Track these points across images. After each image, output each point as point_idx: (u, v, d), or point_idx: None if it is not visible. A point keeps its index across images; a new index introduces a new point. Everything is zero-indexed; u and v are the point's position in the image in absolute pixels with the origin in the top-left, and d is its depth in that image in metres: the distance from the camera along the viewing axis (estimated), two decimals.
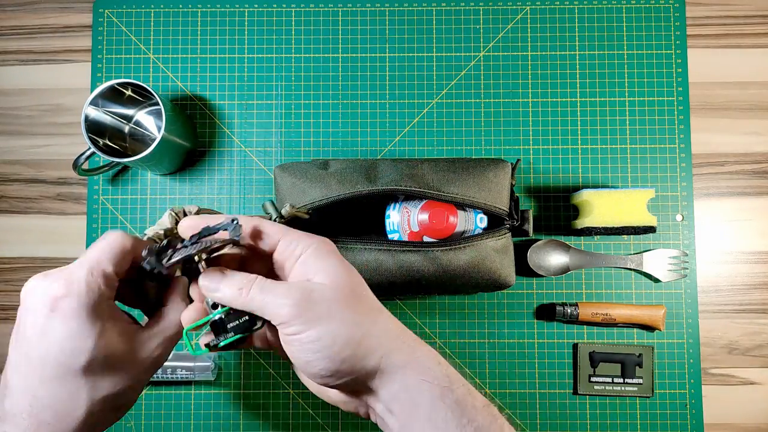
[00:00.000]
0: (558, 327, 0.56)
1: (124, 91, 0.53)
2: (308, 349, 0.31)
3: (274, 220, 0.41)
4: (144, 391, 0.55)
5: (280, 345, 0.36)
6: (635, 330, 0.56)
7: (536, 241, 0.56)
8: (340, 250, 0.36)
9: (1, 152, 0.59)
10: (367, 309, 0.34)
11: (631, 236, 0.56)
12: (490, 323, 0.56)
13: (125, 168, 0.58)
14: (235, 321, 0.33)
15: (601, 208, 0.53)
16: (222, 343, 0.33)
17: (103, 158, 0.52)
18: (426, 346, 0.35)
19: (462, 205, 0.47)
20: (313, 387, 0.37)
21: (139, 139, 0.57)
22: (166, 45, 0.59)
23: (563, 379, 0.55)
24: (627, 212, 0.53)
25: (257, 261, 0.36)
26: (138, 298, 0.37)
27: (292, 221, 0.45)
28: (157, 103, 0.52)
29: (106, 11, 0.59)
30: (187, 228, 0.34)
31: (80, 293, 0.31)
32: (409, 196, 0.48)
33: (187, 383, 0.56)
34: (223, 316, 0.33)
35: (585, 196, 0.53)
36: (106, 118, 0.54)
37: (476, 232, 0.48)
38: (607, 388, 0.55)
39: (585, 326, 0.56)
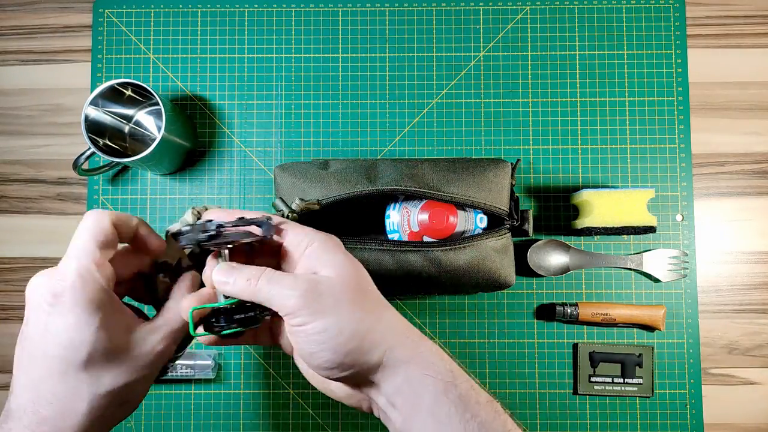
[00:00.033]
0: (558, 327, 0.56)
1: (124, 91, 0.53)
2: (313, 341, 0.32)
3: (287, 216, 0.42)
4: None
5: (285, 339, 0.36)
6: (635, 330, 0.56)
7: (536, 241, 0.56)
8: None
9: (1, 152, 0.59)
10: (373, 304, 0.34)
11: (631, 236, 0.56)
12: (490, 323, 0.56)
13: (125, 168, 0.58)
14: (241, 314, 0.34)
15: (601, 208, 0.53)
16: (224, 332, 0.34)
17: (103, 158, 0.52)
18: (430, 342, 0.35)
19: (462, 205, 0.47)
20: (316, 382, 0.37)
21: (139, 139, 0.57)
22: (166, 45, 0.59)
23: (563, 379, 0.55)
24: (627, 212, 0.53)
25: (266, 255, 0.36)
26: (150, 293, 0.37)
27: (303, 215, 0.45)
28: (157, 103, 0.52)
29: (106, 11, 0.59)
30: (222, 216, 0.35)
31: (74, 285, 0.31)
32: (409, 196, 0.48)
33: (187, 381, 0.56)
34: (229, 307, 0.34)
35: (585, 196, 0.53)
36: (106, 118, 0.54)
37: (476, 232, 0.48)
38: (607, 388, 0.55)
39: (585, 326, 0.56)
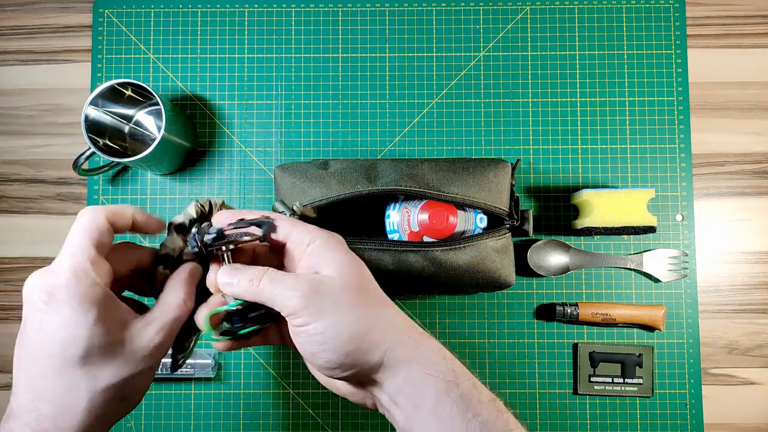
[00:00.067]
0: (558, 327, 0.56)
1: (124, 91, 0.53)
2: (314, 341, 0.32)
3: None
4: None
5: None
6: (635, 330, 0.56)
7: (536, 241, 0.56)
8: None
9: (1, 152, 0.59)
10: (374, 303, 0.34)
11: (631, 236, 0.56)
12: (490, 323, 0.56)
13: (125, 168, 0.58)
14: (255, 312, 0.35)
15: (601, 208, 0.53)
16: (242, 331, 0.35)
17: (103, 158, 0.52)
18: (432, 340, 0.35)
19: (462, 205, 0.47)
20: (323, 379, 0.37)
21: (139, 139, 0.57)
22: (166, 45, 0.59)
23: (563, 379, 0.55)
24: (627, 212, 0.53)
25: (269, 255, 0.36)
26: (150, 286, 0.37)
27: (302, 219, 0.45)
28: (157, 103, 0.52)
29: (106, 11, 0.59)
30: (225, 219, 0.35)
31: (68, 281, 0.31)
32: (409, 196, 0.48)
33: (187, 381, 0.56)
34: (240, 308, 0.34)
35: (585, 196, 0.53)
36: (106, 118, 0.54)
37: (476, 232, 0.48)
38: (607, 388, 0.55)
39: (585, 326, 0.56)
